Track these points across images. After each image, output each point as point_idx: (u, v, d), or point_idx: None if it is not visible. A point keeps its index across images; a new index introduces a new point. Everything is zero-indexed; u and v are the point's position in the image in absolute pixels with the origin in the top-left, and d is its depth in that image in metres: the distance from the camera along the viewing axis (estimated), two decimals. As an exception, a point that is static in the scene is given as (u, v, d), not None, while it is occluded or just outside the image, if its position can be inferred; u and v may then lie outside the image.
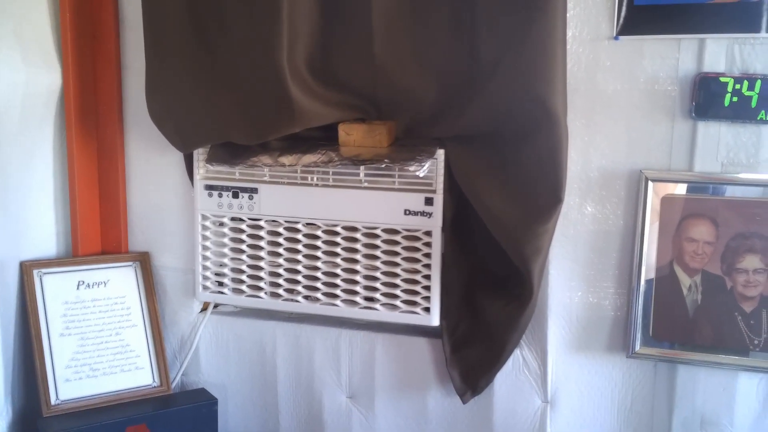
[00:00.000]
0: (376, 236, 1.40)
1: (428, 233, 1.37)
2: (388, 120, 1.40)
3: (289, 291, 1.48)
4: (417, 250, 1.39)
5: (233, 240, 1.51)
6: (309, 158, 1.38)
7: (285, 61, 1.29)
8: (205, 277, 1.54)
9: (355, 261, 1.43)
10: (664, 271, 1.33)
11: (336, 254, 1.44)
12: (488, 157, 1.33)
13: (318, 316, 1.56)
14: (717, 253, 1.31)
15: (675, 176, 1.31)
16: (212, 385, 1.65)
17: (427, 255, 1.38)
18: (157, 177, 1.62)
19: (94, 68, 1.59)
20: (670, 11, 1.27)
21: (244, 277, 1.51)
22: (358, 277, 1.43)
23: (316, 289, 1.46)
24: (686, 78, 1.29)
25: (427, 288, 1.39)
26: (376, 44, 1.35)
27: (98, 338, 1.55)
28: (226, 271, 1.52)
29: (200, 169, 1.49)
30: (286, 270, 1.48)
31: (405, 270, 1.40)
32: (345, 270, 1.44)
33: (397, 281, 1.41)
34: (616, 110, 1.33)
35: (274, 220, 1.46)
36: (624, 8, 1.29)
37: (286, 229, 1.46)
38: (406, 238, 1.39)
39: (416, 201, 1.36)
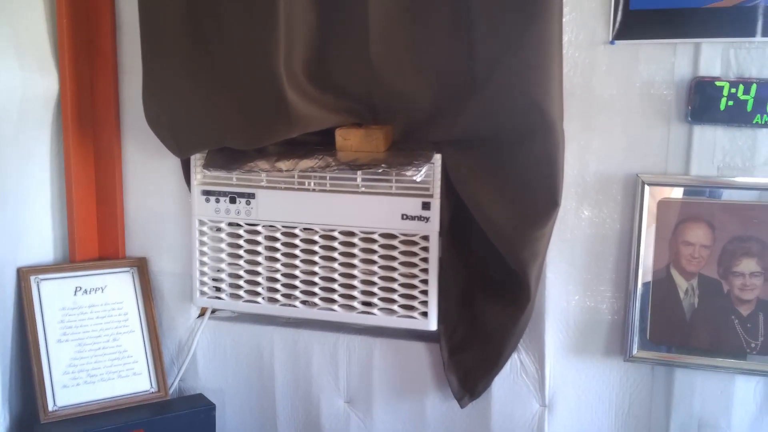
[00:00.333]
0: (374, 241, 1.40)
1: (425, 238, 1.37)
2: (385, 124, 1.40)
3: (287, 296, 1.48)
4: (414, 254, 1.39)
5: (230, 245, 1.51)
6: (306, 163, 1.38)
7: (282, 65, 1.29)
8: (203, 283, 1.54)
9: (353, 266, 1.43)
10: (661, 274, 1.34)
11: (333, 259, 1.44)
12: (485, 162, 1.33)
13: (316, 321, 1.56)
14: (714, 257, 1.31)
15: (671, 180, 1.31)
16: (210, 391, 1.65)
17: (425, 259, 1.38)
18: (154, 182, 1.62)
19: (90, 73, 1.59)
20: (666, 16, 1.27)
21: (241, 283, 1.51)
22: (355, 282, 1.43)
23: (314, 294, 1.46)
24: (682, 82, 1.29)
25: (425, 292, 1.39)
26: (372, 49, 1.35)
27: (96, 344, 1.54)
28: (223, 276, 1.52)
29: (197, 174, 1.49)
30: (284, 275, 1.48)
31: (402, 275, 1.40)
32: (342, 275, 1.44)
33: (395, 286, 1.41)
34: (613, 114, 1.33)
35: (271, 225, 1.46)
36: (620, 13, 1.29)
37: (283, 234, 1.46)
38: (403, 242, 1.39)
39: (413, 206, 1.36)
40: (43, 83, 1.52)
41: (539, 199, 1.28)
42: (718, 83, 1.26)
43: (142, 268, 1.64)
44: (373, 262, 1.41)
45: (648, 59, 1.30)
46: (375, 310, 1.43)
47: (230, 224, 1.49)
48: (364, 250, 1.41)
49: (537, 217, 1.29)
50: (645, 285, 1.35)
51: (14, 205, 1.48)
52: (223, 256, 1.51)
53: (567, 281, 1.41)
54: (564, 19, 1.28)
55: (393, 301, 1.42)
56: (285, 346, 1.60)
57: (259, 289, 1.50)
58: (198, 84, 1.38)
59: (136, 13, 1.41)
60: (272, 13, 1.28)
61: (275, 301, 1.49)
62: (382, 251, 1.40)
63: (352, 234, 1.42)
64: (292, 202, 1.43)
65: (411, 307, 1.41)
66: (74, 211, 1.58)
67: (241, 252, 1.50)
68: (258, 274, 1.49)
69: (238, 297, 1.52)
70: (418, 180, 1.33)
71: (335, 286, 1.45)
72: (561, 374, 1.44)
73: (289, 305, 1.48)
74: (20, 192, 1.49)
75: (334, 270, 1.44)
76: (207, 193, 1.49)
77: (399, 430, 1.55)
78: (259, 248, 1.48)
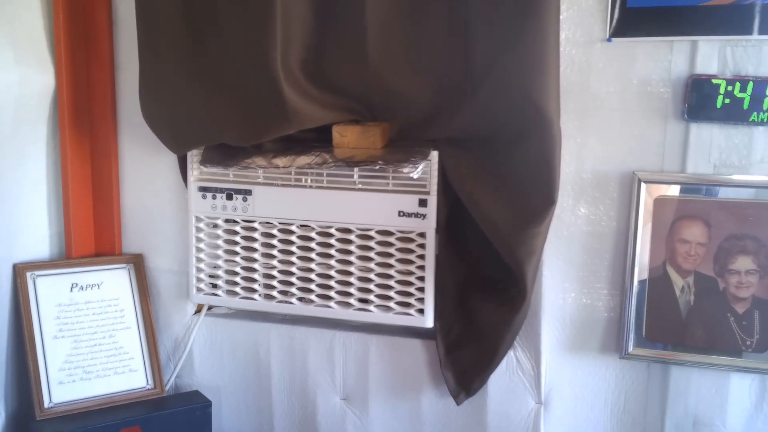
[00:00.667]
0: (370, 238, 1.40)
1: (422, 235, 1.37)
2: (382, 122, 1.40)
3: (283, 293, 1.48)
4: (411, 251, 1.39)
5: (227, 242, 1.51)
6: (303, 160, 1.38)
7: (279, 62, 1.29)
8: (199, 279, 1.54)
9: (349, 263, 1.43)
10: (657, 272, 1.34)
11: (330, 256, 1.44)
12: (482, 159, 1.33)
13: (312, 318, 1.56)
14: (710, 255, 1.31)
15: (668, 178, 1.32)
16: (206, 388, 1.65)
17: (421, 256, 1.38)
18: (150, 179, 1.62)
19: (87, 69, 1.58)
20: (663, 13, 1.27)
21: (238, 279, 1.51)
22: (352, 279, 1.43)
23: (310, 290, 1.46)
24: (679, 80, 1.29)
25: (421, 289, 1.39)
26: (369, 47, 1.35)
27: (92, 341, 1.54)
28: (220, 273, 1.52)
29: (194, 170, 1.49)
30: (280, 272, 1.48)
31: (399, 272, 1.40)
32: (339, 272, 1.44)
33: (391, 283, 1.41)
34: (609, 112, 1.33)
35: (268, 222, 1.46)
36: (617, 10, 1.29)
37: (280, 230, 1.46)
38: (400, 239, 1.39)
39: (410, 203, 1.36)
40: (40, 79, 1.52)
41: (536, 197, 1.28)
42: (714, 81, 1.26)
43: (138, 265, 1.63)
44: (370, 259, 1.41)
45: (645, 57, 1.30)
46: (371, 307, 1.43)
47: (227, 221, 1.49)
48: (360, 247, 1.42)
49: (533, 215, 1.29)
50: (641, 282, 1.35)
51: (10, 201, 1.48)
52: (220, 252, 1.51)
53: (563, 279, 1.41)
54: (561, 17, 1.27)
55: (389, 298, 1.42)
56: (281, 343, 1.60)
57: (255, 286, 1.50)
58: (195, 80, 1.38)
59: (132, 8, 1.41)
60: (269, 9, 1.28)
61: (272, 297, 1.49)
62: (378, 248, 1.40)
63: (348, 231, 1.42)
64: (288, 199, 1.43)
65: (407, 304, 1.41)
66: (70, 208, 1.58)
67: (237, 249, 1.50)
68: (254, 270, 1.49)
69: (235, 294, 1.52)
70: (415, 177, 1.33)
71: (332, 282, 1.45)
72: (557, 371, 1.44)
73: (286, 302, 1.48)
74: (17, 188, 1.49)
75: (330, 267, 1.44)
76: (204, 189, 1.49)
77: (395, 427, 1.55)
78: (256, 245, 1.48)
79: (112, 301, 1.59)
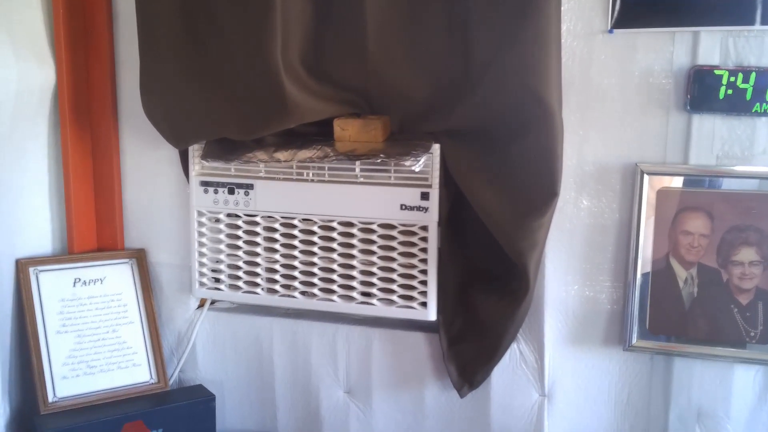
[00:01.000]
0: (373, 231, 1.40)
1: (424, 228, 1.37)
2: (383, 115, 1.40)
3: (286, 287, 1.48)
4: (413, 245, 1.39)
5: (229, 236, 1.51)
6: (304, 154, 1.37)
7: (279, 56, 1.29)
8: (202, 274, 1.54)
9: (352, 256, 1.43)
10: (660, 264, 1.34)
11: (332, 250, 1.44)
12: (484, 152, 1.33)
13: (315, 312, 1.56)
14: (713, 246, 1.31)
15: (670, 169, 1.31)
16: (209, 382, 1.65)
17: (424, 250, 1.38)
18: (152, 173, 1.62)
19: (87, 64, 1.58)
20: (664, 4, 1.27)
21: (240, 273, 1.51)
22: (354, 273, 1.43)
23: (313, 284, 1.46)
24: (681, 71, 1.29)
25: (424, 283, 1.39)
26: (369, 40, 1.34)
27: (95, 335, 1.54)
28: (222, 267, 1.52)
29: (196, 165, 1.49)
30: (283, 266, 1.48)
31: (401, 265, 1.40)
32: (341, 265, 1.44)
33: (394, 276, 1.41)
34: (611, 104, 1.33)
35: (270, 216, 1.46)
36: (618, 2, 1.29)
37: (282, 224, 1.46)
38: (402, 233, 1.39)
39: (412, 196, 1.36)
40: (40, 74, 1.51)
41: (538, 189, 1.28)
42: (717, 72, 1.25)
43: (140, 260, 1.64)
44: (372, 253, 1.41)
45: (646, 48, 1.30)
46: (374, 301, 1.43)
47: (229, 215, 1.49)
48: (362, 241, 1.41)
49: (536, 207, 1.28)
50: (644, 275, 1.35)
51: (12, 197, 1.48)
52: (222, 247, 1.51)
53: (566, 271, 1.40)
54: (562, 9, 1.27)
55: (392, 291, 1.42)
56: (284, 337, 1.60)
57: (258, 280, 1.50)
58: (195, 75, 1.38)
59: (132, 3, 1.40)
60: (269, 3, 1.28)
61: (274, 292, 1.49)
62: (381, 242, 1.40)
63: (350, 224, 1.41)
64: (290, 193, 1.43)
65: (410, 298, 1.41)
66: (72, 203, 1.58)
67: (239, 243, 1.50)
68: (257, 265, 1.49)
69: (237, 288, 1.52)
70: (417, 170, 1.32)
71: (334, 276, 1.45)
72: (560, 364, 1.44)
73: (288, 296, 1.48)
74: (18, 183, 1.49)
75: (333, 260, 1.44)
76: (205, 183, 1.49)
77: (398, 420, 1.55)
78: (258, 239, 1.48)
79: (115, 296, 1.59)
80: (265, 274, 1.49)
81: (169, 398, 1.55)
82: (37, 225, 1.56)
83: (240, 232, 1.49)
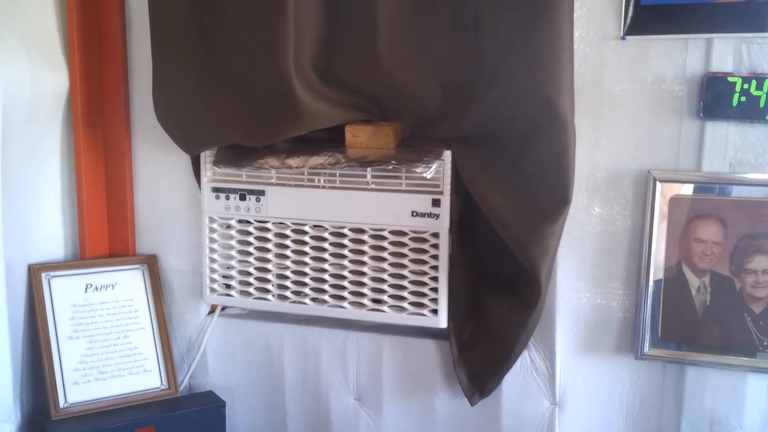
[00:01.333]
0: (384, 238, 1.40)
1: (435, 235, 1.37)
2: (394, 121, 1.40)
3: (297, 293, 1.48)
4: (424, 251, 1.38)
5: (240, 242, 1.51)
6: (316, 160, 1.38)
7: (291, 62, 1.29)
8: (213, 280, 1.54)
9: (363, 263, 1.43)
10: (672, 271, 1.33)
11: (343, 256, 1.43)
12: (495, 158, 1.33)
13: (325, 319, 1.56)
14: (725, 254, 1.30)
15: (683, 176, 1.31)
16: (220, 388, 1.65)
17: (435, 257, 1.38)
18: (164, 179, 1.62)
19: (100, 69, 1.59)
20: (677, 11, 1.26)
21: (251, 280, 1.51)
22: (365, 279, 1.43)
23: (324, 291, 1.46)
24: (694, 78, 1.28)
25: (435, 290, 1.39)
26: (381, 47, 1.34)
27: (106, 341, 1.55)
28: (233, 273, 1.52)
29: (207, 171, 1.49)
30: (294, 272, 1.48)
31: (412, 272, 1.40)
32: (352, 272, 1.44)
33: (405, 283, 1.41)
34: (624, 110, 1.32)
35: (281, 222, 1.46)
36: (631, 8, 1.29)
37: (293, 231, 1.46)
38: (413, 239, 1.39)
39: (423, 202, 1.36)
40: (53, 79, 1.52)
41: (550, 196, 1.27)
42: (730, 79, 1.25)
43: (152, 266, 1.64)
44: (383, 260, 1.41)
45: (659, 55, 1.29)
46: (385, 308, 1.43)
47: (240, 221, 1.50)
48: (373, 247, 1.41)
49: (547, 214, 1.28)
50: (656, 282, 1.34)
51: (24, 202, 1.48)
52: (233, 253, 1.51)
53: (578, 278, 1.40)
54: (574, 15, 1.27)
55: (403, 298, 1.41)
56: (294, 344, 1.60)
57: (268, 286, 1.50)
58: (207, 81, 1.38)
59: (145, 8, 1.41)
60: (280, 9, 1.28)
61: (285, 298, 1.49)
62: (392, 248, 1.40)
63: (361, 231, 1.41)
64: (301, 199, 1.43)
65: (421, 305, 1.40)
66: (84, 208, 1.59)
67: (250, 249, 1.50)
68: (268, 271, 1.49)
69: (248, 294, 1.52)
70: (428, 177, 1.32)
71: (345, 283, 1.44)
72: (571, 372, 1.43)
73: (299, 302, 1.48)
74: (30, 189, 1.50)
75: (343, 267, 1.44)
76: (217, 190, 1.49)
77: (409, 428, 1.55)
78: (269, 245, 1.48)
79: (127, 302, 1.59)
80: (275, 281, 1.49)
81: (179, 404, 1.56)
82: (49, 230, 1.57)
83: (251, 239, 1.49)
